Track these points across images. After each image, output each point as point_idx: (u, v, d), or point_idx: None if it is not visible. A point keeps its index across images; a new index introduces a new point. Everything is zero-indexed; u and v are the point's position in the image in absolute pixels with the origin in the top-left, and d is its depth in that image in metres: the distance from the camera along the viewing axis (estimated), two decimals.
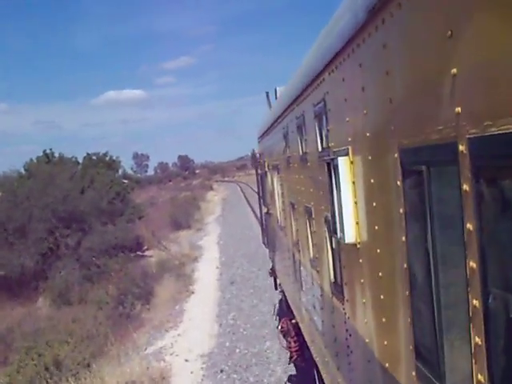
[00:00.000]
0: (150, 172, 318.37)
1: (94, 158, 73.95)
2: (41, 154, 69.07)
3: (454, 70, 4.42)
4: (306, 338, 17.10)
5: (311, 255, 13.85)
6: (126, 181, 76.94)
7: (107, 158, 74.62)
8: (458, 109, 4.40)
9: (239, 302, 38.50)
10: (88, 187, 64.81)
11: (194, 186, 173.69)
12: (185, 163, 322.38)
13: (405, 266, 6.17)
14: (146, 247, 69.37)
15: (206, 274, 49.51)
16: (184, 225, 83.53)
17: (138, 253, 66.39)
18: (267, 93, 28.06)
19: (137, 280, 45.19)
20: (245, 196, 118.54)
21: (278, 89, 23.54)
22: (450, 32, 4.45)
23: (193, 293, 43.71)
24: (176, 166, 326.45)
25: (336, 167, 8.67)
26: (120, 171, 78.52)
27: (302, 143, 13.88)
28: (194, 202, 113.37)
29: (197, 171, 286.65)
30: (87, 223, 60.66)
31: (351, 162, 8.43)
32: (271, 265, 29.21)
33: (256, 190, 40.59)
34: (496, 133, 3.78)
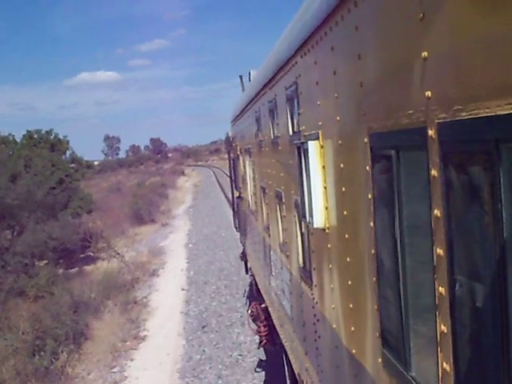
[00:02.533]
0: (122, 155, 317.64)
1: (36, 136, 57.92)
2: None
3: (425, 54, 4.35)
4: (275, 323, 17.09)
5: (281, 240, 13.80)
6: (73, 165, 59.67)
7: (52, 137, 58.29)
8: (428, 93, 4.33)
9: (215, 369, 24.36)
10: (26, 173, 47.90)
11: (164, 171, 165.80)
12: (157, 146, 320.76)
13: (372, 251, 6.11)
14: (91, 252, 52.00)
15: (167, 301, 35.14)
16: (147, 218, 69.08)
17: (83, 255, 51.71)
18: (241, 76, 27.99)
19: (64, 310, 28.99)
20: (219, 183, 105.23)
21: (251, 72, 23.40)
22: (421, 15, 4.37)
23: (143, 339, 28.94)
24: (148, 149, 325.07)
25: (306, 151, 8.59)
26: (68, 153, 60.94)
27: (273, 127, 13.81)
28: (162, 190, 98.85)
29: (169, 155, 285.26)
30: (16, 219, 44.06)
31: (321, 147, 8.36)
32: (242, 249, 29.18)
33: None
34: (466, 118, 3.72)
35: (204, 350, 26.30)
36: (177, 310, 33.06)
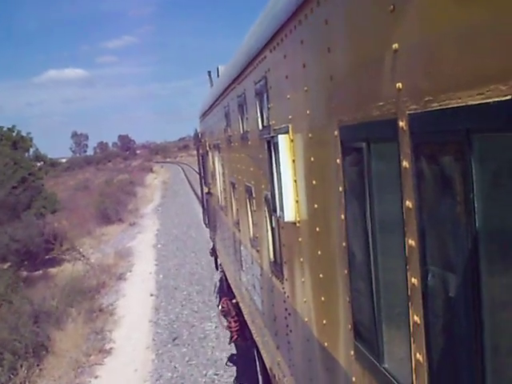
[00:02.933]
0: (90, 152, 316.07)
1: None
2: None
3: (396, 46, 4.35)
4: (246, 318, 17.08)
5: (251, 234, 13.79)
6: (39, 163, 57.84)
7: (14, 134, 54.91)
8: (399, 84, 4.33)
9: None
10: None
11: (133, 168, 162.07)
12: (125, 143, 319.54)
13: (344, 244, 6.12)
14: (56, 254, 48.49)
15: (135, 308, 32.33)
16: (114, 218, 65.72)
17: (48, 257, 48.02)
18: (209, 72, 27.91)
19: (24, 320, 26.05)
20: (188, 180, 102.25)
21: (220, 68, 23.34)
22: (392, 6, 4.37)
23: (108, 353, 26.12)
24: (116, 146, 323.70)
25: (276, 145, 8.59)
26: (31, 151, 58.18)
27: (242, 122, 13.79)
28: (130, 188, 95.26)
29: (138, 151, 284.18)
30: None
31: (291, 140, 8.36)
32: (212, 245, 29.13)
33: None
34: (437, 108, 3.73)
35: (175, 367, 23.47)
36: (145, 319, 30.36)
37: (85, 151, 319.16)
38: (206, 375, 22.20)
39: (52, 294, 32.03)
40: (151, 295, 34.57)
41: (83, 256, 44.17)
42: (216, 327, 26.42)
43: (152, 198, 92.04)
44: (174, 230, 56.35)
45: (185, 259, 42.95)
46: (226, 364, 22.16)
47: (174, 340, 26.68)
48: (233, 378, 21.41)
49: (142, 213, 73.96)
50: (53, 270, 44.05)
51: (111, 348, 26.62)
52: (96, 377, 23.61)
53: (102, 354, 25.90)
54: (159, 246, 50.01)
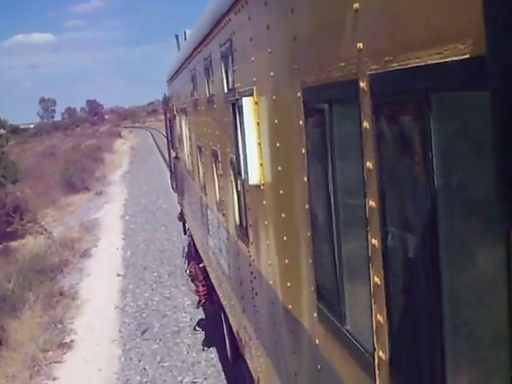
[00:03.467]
0: (58, 118, 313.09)
1: None
2: None
3: (357, 5, 4.31)
4: (214, 282, 17.12)
5: (217, 198, 13.77)
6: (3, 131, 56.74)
7: None
8: (360, 45, 4.30)
9: None
10: None
11: (101, 133, 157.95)
12: (93, 108, 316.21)
13: (307, 206, 6.11)
14: (16, 228, 44.27)
15: (99, 291, 28.97)
16: (80, 186, 62.08)
17: (10, 229, 44.49)
18: (177, 36, 27.69)
19: None
20: (157, 145, 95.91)
21: (187, 31, 23.14)
22: None
23: (69, 348, 22.92)
24: (84, 112, 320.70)
25: (240, 108, 8.55)
26: None
27: (209, 85, 13.72)
28: (98, 154, 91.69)
29: (106, 116, 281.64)
30: None
31: (256, 103, 8.31)
32: (180, 209, 29.08)
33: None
34: (396, 68, 3.70)
35: (145, 369, 20.17)
36: (111, 305, 26.84)
37: (52, 117, 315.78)
38: (181, 382, 19.02)
39: (7, 275, 28.74)
40: (118, 275, 31.05)
41: (45, 230, 40.21)
42: (191, 319, 23.44)
43: (120, 164, 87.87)
44: (142, 200, 52.59)
45: (155, 234, 39.28)
46: (195, 328, 22.16)
47: (143, 333, 23.36)
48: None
49: (109, 180, 70.47)
50: (14, 244, 41.42)
51: (72, 341, 23.48)
52: (54, 378, 20.64)
53: (61, 349, 22.72)
54: (127, 217, 46.51)
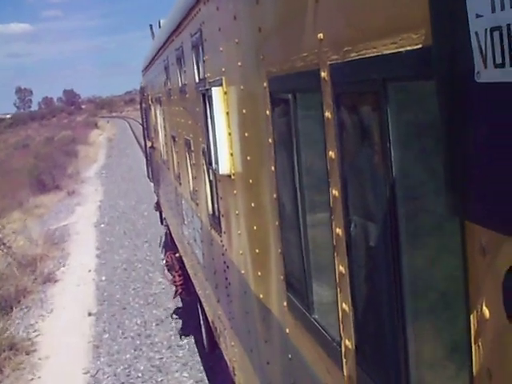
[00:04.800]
0: (35, 107, 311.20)
1: None
2: None
3: None
4: (189, 272, 17.12)
5: (191, 188, 13.78)
6: None
7: None
8: (321, 35, 4.32)
9: None
10: None
11: (77, 123, 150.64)
12: (70, 98, 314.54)
13: (274, 196, 6.13)
14: None
15: (64, 342, 20.76)
16: (50, 184, 54.47)
17: None
18: (151, 25, 27.59)
19: None
20: (135, 136, 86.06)
21: (161, 21, 23.05)
22: None
23: None
24: (61, 101, 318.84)
25: (210, 98, 8.56)
26: None
27: (181, 75, 13.71)
28: (72, 146, 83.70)
29: (83, 106, 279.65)
30: None
31: (225, 93, 8.33)
32: (156, 199, 29.07)
33: None
34: (355, 58, 3.72)
35: None
36: (78, 367, 18.81)
37: (29, 107, 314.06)
38: None
39: None
40: (89, 314, 23.28)
41: (3, 244, 31.17)
42: None
43: (96, 158, 79.85)
44: (120, 202, 45.21)
45: (136, 252, 31.02)
46: (171, 316, 22.09)
47: None
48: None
49: (83, 177, 62.31)
50: None
51: None
52: None
53: None
54: (102, 225, 38.79)
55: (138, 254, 30.65)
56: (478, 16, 2.07)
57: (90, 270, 29.23)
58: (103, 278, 27.78)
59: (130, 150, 77.70)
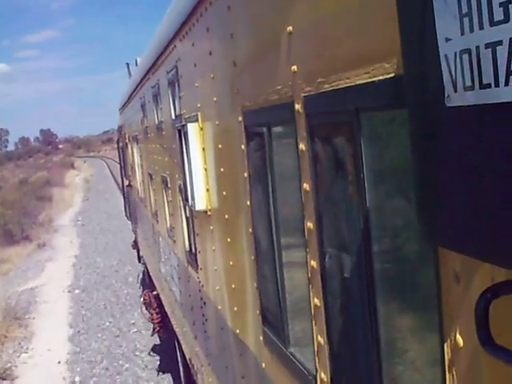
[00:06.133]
0: (11, 147, 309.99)
1: None
2: None
3: (290, 28, 4.35)
4: (167, 309, 17.03)
5: (168, 225, 13.75)
6: None
7: None
8: (294, 67, 4.33)
9: None
10: None
11: (53, 164, 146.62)
12: (47, 138, 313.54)
13: (250, 230, 6.12)
14: None
15: None
16: (19, 235, 47.95)
17: None
18: (127, 63, 27.57)
19: None
20: (114, 177, 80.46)
21: (138, 59, 23.11)
22: None
23: None
24: (38, 141, 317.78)
25: (186, 134, 8.58)
26: None
27: (157, 112, 13.75)
28: (46, 190, 77.82)
29: (60, 146, 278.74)
30: None
31: (201, 129, 8.34)
32: (134, 237, 28.94)
33: None
34: (328, 89, 3.73)
35: None
36: None
37: (6, 146, 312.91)
38: None
39: None
40: None
41: None
42: None
43: (71, 202, 72.43)
44: (98, 260, 37.73)
45: (120, 342, 23.45)
46: (149, 354, 21.84)
47: None
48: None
49: (56, 225, 55.08)
50: None
51: None
52: None
53: None
54: (77, 291, 31.42)
55: (124, 346, 22.78)
56: (447, 40, 2.08)
57: (59, 362, 22.13)
58: (77, 380, 20.43)
59: (108, 193, 71.33)
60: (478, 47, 1.90)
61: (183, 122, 9.13)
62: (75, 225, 54.11)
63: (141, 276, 27.73)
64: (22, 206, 55.86)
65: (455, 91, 2.08)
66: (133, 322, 25.28)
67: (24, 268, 38.71)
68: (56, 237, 48.75)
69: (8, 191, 73.95)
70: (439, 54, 2.15)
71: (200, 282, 9.87)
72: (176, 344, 15.95)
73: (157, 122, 13.88)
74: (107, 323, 25.80)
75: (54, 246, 44.64)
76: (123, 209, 31.63)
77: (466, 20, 1.94)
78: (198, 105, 8.40)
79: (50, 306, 29.23)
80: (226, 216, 7.34)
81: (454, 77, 2.07)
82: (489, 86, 1.91)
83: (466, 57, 1.98)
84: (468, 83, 1.99)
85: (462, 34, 1.97)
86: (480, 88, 1.94)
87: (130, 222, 30.49)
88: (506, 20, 1.77)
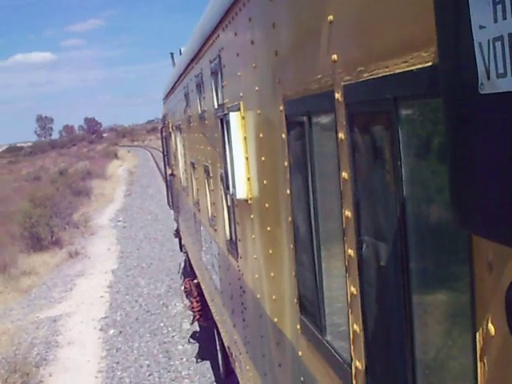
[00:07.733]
0: (56, 136, 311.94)
1: None
2: None
3: (331, 17, 4.36)
4: (207, 298, 17.12)
5: (209, 214, 13.81)
6: None
7: None
8: (335, 56, 4.35)
9: None
10: None
11: (96, 153, 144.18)
12: (92, 126, 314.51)
13: (289, 219, 6.15)
14: None
15: None
16: (47, 239, 39.62)
17: None
18: (172, 53, 27.70)
19: None
20: (159, 169, 69.23)
21: (182, 49, 23.19)
22: None
23: None
24: (83, 130, 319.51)
25: (228, 123, 8.61)
26: None
27: (200, 101, 13.80)
28: (85, 182, 69.84)
29: (104, 135, 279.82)
30: None
31: (243, 118, 8.37)
32: (176, 226, 29.10)
33: None
34: (368, 78, 3.75)
35: None
36: None
37: (50, 135, 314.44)
38: None
39: None
40: None
41: None
42: None
43: (112, 197, 64.52)
44: (141, 283, 29.25)
45: None
46: (189, 341, 21.95)
47: None
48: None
49: (93, 225, 46.98)
50: None
51: None
52: None
53: None
54: (112, 331, 23.32)
55: None
56: (481, 27, 2.09)
57: None
58: None
59: (153, 188, 63.99)
60: (510, 34, 1.91)
61: (225, 111, 9.17)
62: (115, 226, 46.45)
63: (182, 264, 27.82)
64: (54, 203, 45.55)
65: (488, 79, 2.09)
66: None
67: (50, 284, 31.57)
68: (91, 241, 41.43)
69: (44, 183, 66.71)
70: (473, 42, 2.16)
71: (240, 270, 9.92)
72: (215, 332, 16.05)
73: (199, 111, 13.94)
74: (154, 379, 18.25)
75: (88, 254, 37.44)
76: (166, 199, 28.95)
77: (499, 7, 1.95)
78: (240, 94, 8.44)
79: (75, 354, 21.30)
80: (267, 205, 7.38)
81: (487, 64, 2.09)
82: None
83: (498, 44, 1.99)
84: (500, 70, 2.00)
85: (495, 22, 1.98)
86: None
87: (172, 211, 30.63)
88: None
